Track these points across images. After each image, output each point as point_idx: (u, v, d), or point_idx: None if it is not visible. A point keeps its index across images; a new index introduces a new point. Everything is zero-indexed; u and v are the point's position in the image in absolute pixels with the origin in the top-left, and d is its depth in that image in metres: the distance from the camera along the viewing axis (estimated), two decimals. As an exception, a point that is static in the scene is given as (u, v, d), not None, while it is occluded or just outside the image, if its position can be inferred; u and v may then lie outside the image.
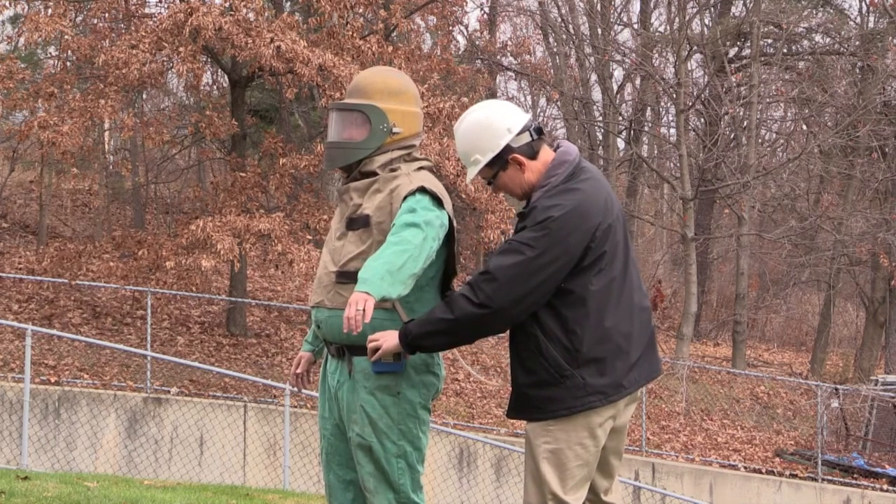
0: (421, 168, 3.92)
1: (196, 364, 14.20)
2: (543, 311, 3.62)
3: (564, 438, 3.65)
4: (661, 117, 27.52)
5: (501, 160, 3.74)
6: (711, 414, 18.67)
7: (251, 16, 14.39)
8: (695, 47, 22.23)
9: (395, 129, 3.88)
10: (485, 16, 25.94)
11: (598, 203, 3.66)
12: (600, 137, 25.20)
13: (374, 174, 3.88)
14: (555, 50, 25.70)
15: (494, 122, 3.73)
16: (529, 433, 3.73)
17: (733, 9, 25.23)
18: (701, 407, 18.73)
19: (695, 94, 21.96)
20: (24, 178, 23.43)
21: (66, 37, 14.86)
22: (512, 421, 15.71)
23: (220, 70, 19.21)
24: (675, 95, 21.35)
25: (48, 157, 18.25)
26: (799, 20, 23.26)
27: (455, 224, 3.86)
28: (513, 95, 29.09)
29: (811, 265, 25.35)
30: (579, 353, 3.61)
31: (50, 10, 14.67)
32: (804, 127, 25.23)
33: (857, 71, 23.68)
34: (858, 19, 25.30)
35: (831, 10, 25.77)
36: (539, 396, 3.66)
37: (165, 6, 16.23)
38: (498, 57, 24.70)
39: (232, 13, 13.91)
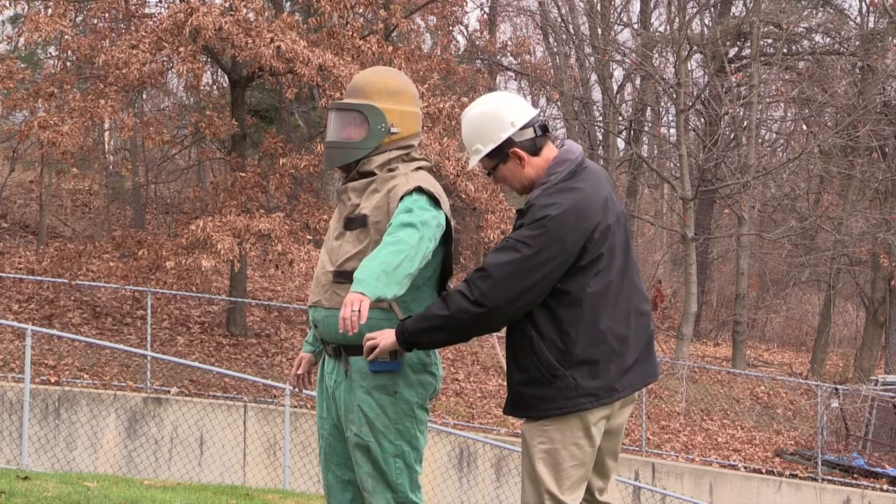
0: (419, 168, 3.92)
1: (196, 364, 14.20)
2: (538, 310, 3.62)
3: (560, 438, 3.65)
4: (661, 117, 27.53)
5: (502, 153, 3.75)
6: (711, 414, 18.67)
7: (251, 16, 14.39)
8: (695, 47, 22.23)
9: (393, 129, 3.88)
10: (485, 16, 25.95)
11: (597, 203, 3.65)
12: (600, 137, 25.21)
13: (373, 174, 3.88)
14: (555, 50, 25.70)
15: (499, 114, 3.74)
16: (525, 433, 3.74)
17: (733, 9, 25.23)
18: (701, 407, 18.74)
19: (695, 94, 21.96)
20: (24, 178, 23.44)
21: (66, 37, 14.86)
22: (512, 421, 15.73)
23: (220, 70, 19.21)
24: (675, 95, 21.35)
25: (48, 157, 18.25)
26: (799, 20, 23.26)
27: (452, 224, 3.87)
28: (513, 95, 29.04)
29: (811, 265, 25.35)
30: (572, 354, 3.60)
31: (50, 10, 14.66)
32: (804, 127, 25.23)
33: (857, 71, 23.68)
34: (858, 19, 25.31)
35: (831, 10, 25.77)
36: (531, 395, 3.67)
37: (165, 6, 16.24)
38: (498, 57, 24.71)
39: (232, 13, 13.91)
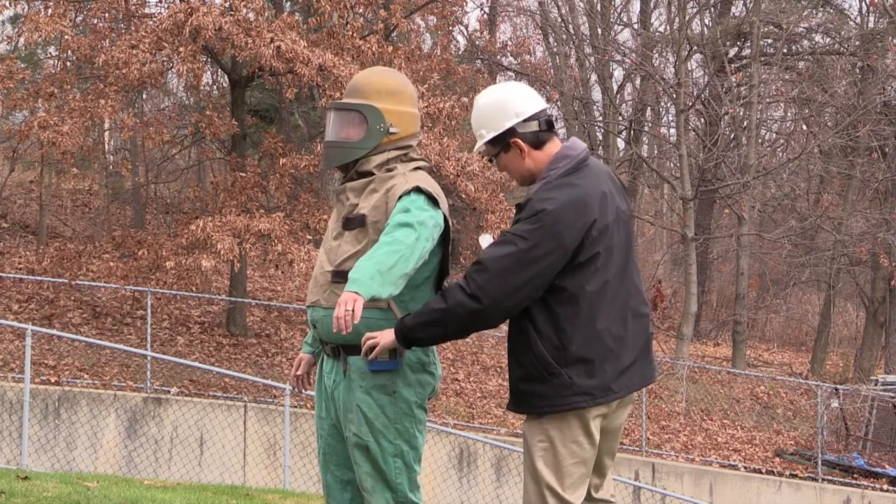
0: (417, 168, 3.93)
1: (196, 364, 14.20)
2: (536, 306, 3.62)
3: (559, 437, 3.66)
4: (661, 117, 27.54)
5: (503, 141, 3.77)
6: (711, 414, 18.67)
7: (251, 16, 14.38)
8: (695, 47, 22.23)
9: (391, 130, 3.89)
10: (485, 16, 25.97)
11: (595, 200, 3.65)
12: (600, 137, 25.22)
13: (371, 174, 3.89)
14: (555, 50, 25.72)
15: (506, 103, 3.77)
16: (526, 432, 3.75)
17: (733, 9, 25.24)
18: (701, 407, 18.74)
19: (695, 94, 21.95)
20: (24, 178, 23.44)
21: (66, 37, 14.86)
22: (512, 421, 15.73)
23: (220, 70, 19.21)
24: (675, 95, 21.35)
25: (48, 157, 18.26)
26: (799, 20, 23.26)
27: (451, 223, 3.87)
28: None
29: (811, 265, 25.35)
30: (567, 351, 3.61)
31: (50, 10, 14.66)
32: (804, 127, 25.24)
33: (857, 71, 23.68)
34: (858, 19, 25.32)
35: (831, 10, 25.78)
36: (527, 391, 3.69)
37: (165, 6, 16.23)
38: (498, 57, 24.73)
39: (232, 13, 13.91)
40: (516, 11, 26.89)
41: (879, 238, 21.34)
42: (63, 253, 15.69)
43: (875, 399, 18.78)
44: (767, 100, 23.70)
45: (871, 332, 23.39)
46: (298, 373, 4.09)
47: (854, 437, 18.77)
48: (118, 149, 24.25)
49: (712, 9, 24.69)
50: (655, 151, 28.01)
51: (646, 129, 25.93)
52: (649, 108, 27.10)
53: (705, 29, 22.66)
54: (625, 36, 26.99)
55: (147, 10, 16.81)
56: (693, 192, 20.73)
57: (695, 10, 22.81)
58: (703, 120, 23.46)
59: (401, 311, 3.75)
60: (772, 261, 28.11)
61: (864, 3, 24.41)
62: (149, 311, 15.07)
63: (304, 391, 4.17)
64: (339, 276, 3.76)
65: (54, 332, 14.52)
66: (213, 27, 13.37)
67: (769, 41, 24.27)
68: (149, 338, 14.94)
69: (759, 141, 25.09)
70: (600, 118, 24.94)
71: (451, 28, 22.59)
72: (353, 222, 3.82)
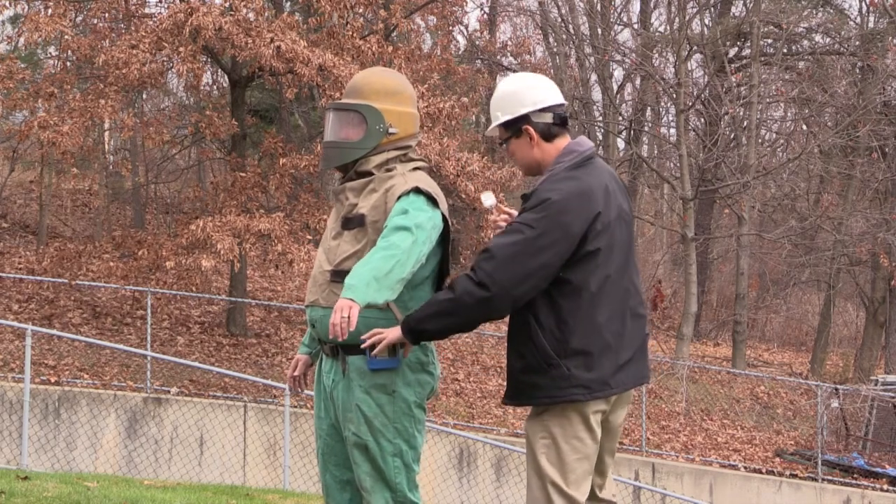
0: (416, 168, 3.94)
1: (196, 364, 14.20)
2: (539, 298, 3.66)
3: (560, 432, 3.69)
4: (661, 117, 27.54)
5: (516, 127, 3.84)
6: (711, 414, 18.67)
7: (251, 16, 14.39)
8: (695, 47, 22.23)
9: (391, 130, 3.90)
10: (485, 16, 25.97)
11: (599, 193, 3.71)
12: (600, 137, 25.21)
13: (370, 174, 3.90)
14: (555, 50, 25.72)
15: (526, 90, 3.85)
16: (528, 430, 3.77)
17: (733, 9, 25.24)
18: (701, 407, 18.73)
19: (695, 94, 21.96)
20: (24, 178, 23.44)
21: (66, 37, 14.86)
22: (512, 421, 15.73)
23: (220, 70, 19.21)
24: (675, 95, 21.34)
25: (48, 157, 18.26)
26: (799, 20, 23.26)
27: (450, 223, 3.88)
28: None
29: (811, 265, 25.35)
30: (567, 343, 3.64)
31: (50, 10, 14.66)
32: (804, 127, 25.23)
33: (857, 71, 23.68)
34: (858, 19, 25.31)
35: (831, 10, 25.77)
36: (526, 382, 3.72)
37: (165, 6, 16.24)
38: (498, 57, 24.72)
39: (232, 13, 13.91)
40: (516, 11, 26.90)
41: (879, 238, 21.33)
42: (63, 253, 15.69)
43: (875, 399, 18.77)
44: (767, 100, 23.70)
45: (871, 332, 23.39)
46: (295, 374, 4.10)
47: (854, 437, 18.77)
48: (118, 149, 24.26)
49: (712, 9, 24.69)
50: (655, 151, 28.01)
51: (646, 129, 25.93)
52: (649, 108, 27.10)
53: (705, 29, 22.66)
54: (625, 36, 27.02)
55: (147, 10, 16.82)
56: (693, 192, 20.72)
57: (695, 10, 22.81)
58: (703, 120, 23.46)
59: (400, 311, 3.76)
60: (772, 261, 28.11)
61: (864, 3, 24.41)
62: (149, 311, 15.07)
63: (301, 392, 4.17)
64: (338, 276, 3.76)
65: (54, 332, 14.52)
66: (213, 27, 13.37)
67: (769, 41, 24.27)
68: (149, 338, 14.94)
69: (759, 141, 25.10)
70: (600, 118, 24.94)
71: (451, 28, 22.59)
72: (352, 222, 3.83)
